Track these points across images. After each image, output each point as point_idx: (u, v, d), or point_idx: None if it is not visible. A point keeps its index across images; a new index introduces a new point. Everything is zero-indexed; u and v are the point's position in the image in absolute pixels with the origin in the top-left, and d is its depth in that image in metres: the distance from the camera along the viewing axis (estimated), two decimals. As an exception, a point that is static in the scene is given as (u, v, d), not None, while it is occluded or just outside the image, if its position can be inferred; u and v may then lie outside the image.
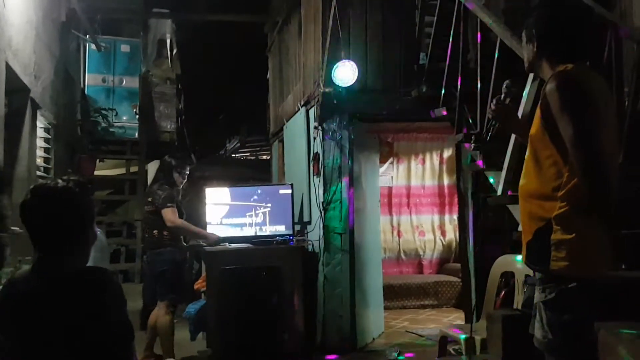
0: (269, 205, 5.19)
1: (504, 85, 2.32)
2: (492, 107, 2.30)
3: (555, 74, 1.99)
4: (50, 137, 5.50)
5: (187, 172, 4.83)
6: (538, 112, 2.02)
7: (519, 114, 3.00)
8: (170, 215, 4.51)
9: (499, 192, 3.29)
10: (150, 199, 4.64)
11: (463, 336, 3.79)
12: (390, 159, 7.76)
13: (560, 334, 1.94)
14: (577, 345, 1.94)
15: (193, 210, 5.56)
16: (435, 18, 4.44)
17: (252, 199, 5.21)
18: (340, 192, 5.04)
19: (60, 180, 1.70)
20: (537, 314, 2.03)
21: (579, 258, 1.89)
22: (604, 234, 1.91)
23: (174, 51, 8.96)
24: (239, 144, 12.86)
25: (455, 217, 7.47)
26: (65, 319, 1.57)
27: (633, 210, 3.13)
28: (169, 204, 4.49)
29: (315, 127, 5.18)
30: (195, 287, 5.59)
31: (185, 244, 4.76)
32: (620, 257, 1.99)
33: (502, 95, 2.30)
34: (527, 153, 2.10)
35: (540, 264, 1.99)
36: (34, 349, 1.57)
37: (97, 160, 7.82)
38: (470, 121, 3.69)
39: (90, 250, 1.75)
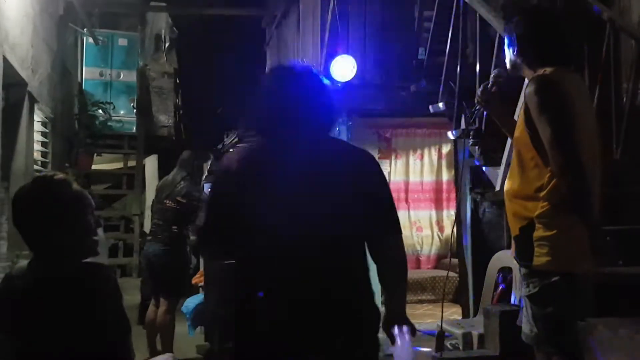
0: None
1: (492, 74, 2.38)
2: (479, 92, 2.37)
3: (534, 78, 2.06)
4: (47, 131, 5.49)
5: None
6: (521, 114, 2.09)
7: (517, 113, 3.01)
8: None
9: (497, 188, 3.30)
10: (169, 193, 4.43)
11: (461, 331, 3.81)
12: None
13: (544, 326, 2.02)
14: (561, 337, 2.01)
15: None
16: (434, 13, 4.43)
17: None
18: (338, 187, 5.04)
19: (44, 177, 1.70)
20: (524, 308, 2.11)
21: (559, 254, 1.98)
22: (583, 231, 1.97)
23: (167, 45, 8.94)
24: (237, 139, 12.84)
25: (453, 212, 7.47)
26: (62, 314, 1.56)
27: (631, 206, 3.14)
28: None
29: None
30: (193, 281, 5.59)
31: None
32: (603, 252, 2.03)
33: (490, 83, 2.36)
34: (513, 155, 2.18)
35: (524, 260, 2.08)
36: (31, 344, 1.57)
37: (95, 155, 7.81)
38: (469, 116, 3.69)
39: (87, 242, 1.73)
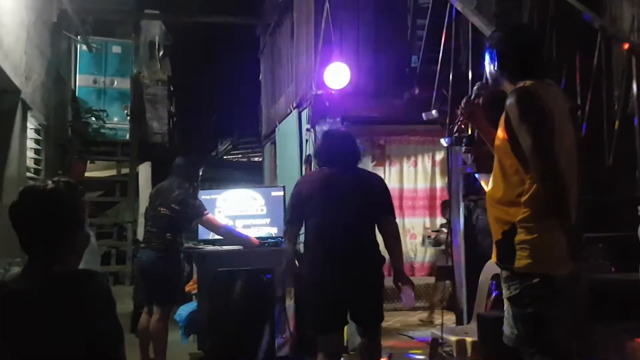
0: (261, 207, 5.19)
1: (475, 87, 2.48)
2: (462, 105, 2.48)
3: (515, 90, 2.17)
4: (40, 138, 5.47)
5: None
6: (501, 124, 2.19)
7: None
8: (216, 220, 4.60)
9: (490, 195, 3.31)
10: (163, 200, 4.38)
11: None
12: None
13: (524, 327, 2.11)
14: (541, 337, 2.09)
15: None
16: (427, 21, 4.47)
17: (243, 201, 5.20)
18: (332, 194, 5.04)
19: (50, 182, 1.68)
20: (505, 310, 2.20)
21: (539, 256, 2.07)
22: (561, 235, 2.05)
23: (161, 53, 8.94)
24: (230, 146, 12.85)
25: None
26: (55, 321, 1.56)
27: (623, 212, 3.16)
28: (206, 210, 4.48)
29: (308, 129, 5.18)
30: (187, 289, 5.57)
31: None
32: (581, 255, 2.11)
33: (473, 96, 2.47)
34: (494, 162, 2.27)
35: (506, 263, 2.17)
36: (23, 351, 1.56)
37: (88, 162, 7.79)
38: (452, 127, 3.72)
39: (82, 252, 1.74)
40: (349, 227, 3.11)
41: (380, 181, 3.37)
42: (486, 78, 2.48)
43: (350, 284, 3.06)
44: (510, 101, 2.12)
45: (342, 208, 3.13)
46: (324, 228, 3.15)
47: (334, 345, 3.17)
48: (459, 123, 2.53)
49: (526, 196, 2.09)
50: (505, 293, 2.18)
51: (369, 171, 3.62)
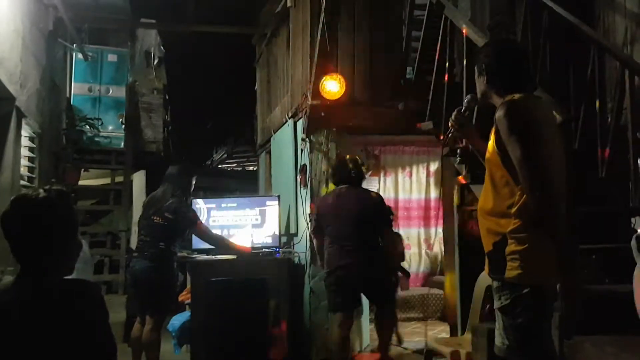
0: (256, 216, 5.18)
1: (465, 100, 2.51)
2: (452, 116, 2.50)
3: (504, 103, 2.19)
4: (35, 146, 5.46)
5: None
6: (492, 137, 2.21)
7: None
8: (210, 229, 4.63)
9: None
10: (156, 209, 4.38)
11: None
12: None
13: (515, 337, 2.12)
14: (531, 348, 2.10)
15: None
16: (422, 33, 4.49)
17: (238, 211, 5.19)
18: (327, 204, 5.04)
19: (41, 191, 1.68)
20: (496, 321, 2.21)
21: (530, 267, 2.08)
22: (551, 246, 2.05)
23: (156, 61, 8.94)
24: (225, 155, 12.85)
25: (441, 230, 7.48)
26: (47, 331, 1.55)
27: (617, 224, 3.17)
28: (200, 219, 4.50)
29: (303, 139, 5.19)
30: (180, 298, 5.54)
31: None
32: (571, 267, 2.08)
33: (463, 108, 2.50)
34: (485, 174, 2.29)
35: (497, 274, 2.18)
36: (14, 362, 1.55)
37: (82, 170, 7.76)
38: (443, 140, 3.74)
39: (74, 261, 1.73)
40: (354, 233, 4.08)
41: (380, 198, 4.37)
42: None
43: (358, 275, 4.05)
44: (499, 114, 2.14)
45: (349, 218, 4.11)
46: (337, 233, 4.13)
47: (345, 323, 4.08)
48: (450, 134, 2.55)
49: (516, 207, 2.11)
50: (496, 303, 2.19)
51: (369, 189, 4.50)
